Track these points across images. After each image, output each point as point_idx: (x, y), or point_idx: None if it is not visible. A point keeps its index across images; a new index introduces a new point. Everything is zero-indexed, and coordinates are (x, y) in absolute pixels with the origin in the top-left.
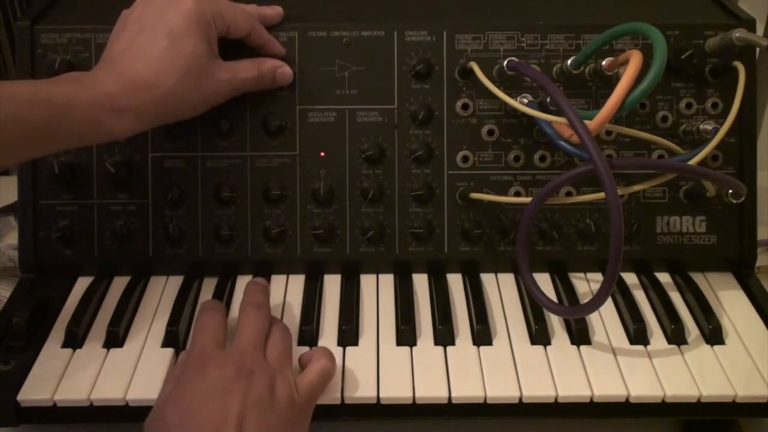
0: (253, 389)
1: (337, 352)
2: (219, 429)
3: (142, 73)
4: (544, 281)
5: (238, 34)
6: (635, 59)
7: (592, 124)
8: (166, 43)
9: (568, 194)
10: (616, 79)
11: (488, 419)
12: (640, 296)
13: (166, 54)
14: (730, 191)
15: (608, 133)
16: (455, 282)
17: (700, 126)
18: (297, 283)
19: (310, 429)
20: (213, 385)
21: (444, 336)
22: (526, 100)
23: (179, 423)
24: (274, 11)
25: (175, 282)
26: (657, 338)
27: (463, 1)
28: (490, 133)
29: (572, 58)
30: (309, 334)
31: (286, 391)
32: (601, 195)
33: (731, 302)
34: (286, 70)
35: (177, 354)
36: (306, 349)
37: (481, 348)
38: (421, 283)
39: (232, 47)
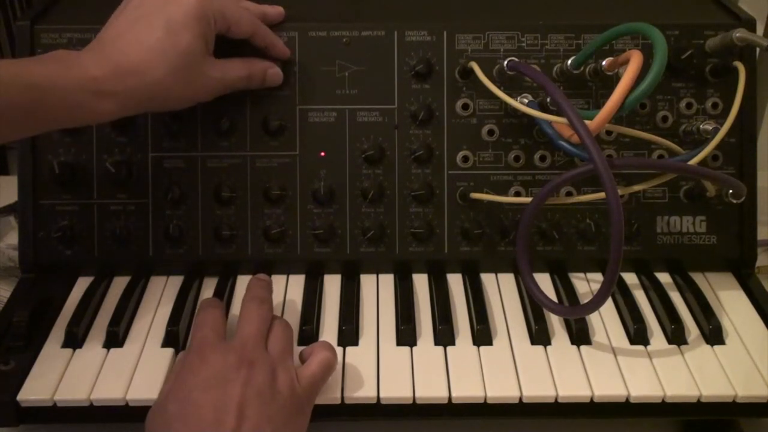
0: (254, 379)
1: (337, 352)
2: (219, 417)
3: (132, 59)
4: (544, 281)
5: (240, 35)
6: (635, 59)
7: (592, 124)
8: (161, 35)
9: (568, 194)
10: (616, 79)
11: (488, 419)
12: (640, 296)
13: (159, 45)
14: (730, 191)
15: (608, 133)
16: (455, 282)
17: (700, 126)
18: (297, 283)
19: (309, 428)
20: (214, 374)
21: (444, 336)
22: (526, 100)
23: (180, 412)
24: (276, 11)
25: (175, 282)
26: (657, 338)
27: (463, 1)
28: (490, 133)
29: (572, 58)
30: (309, 334)
31: (288, 382)
32: (601, 195)
33: (731, 302)
34: (276, 71)
35: (177, 354)
36: None
37: (481, 348)
38: (421, 283)
39: (230, 44)
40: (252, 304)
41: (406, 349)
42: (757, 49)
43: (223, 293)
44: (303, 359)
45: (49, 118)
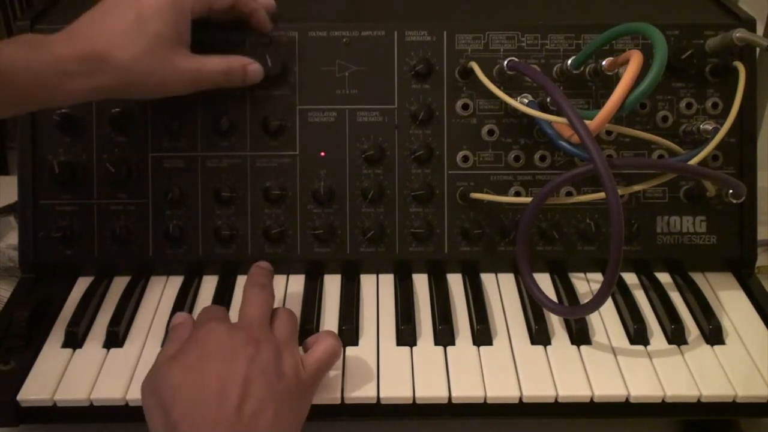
0: (260, 357)
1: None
2: (224, 389)
3: (98, 42)
4: (544, 281)
5: (223, 7)
6: (635, 59)
7: (592, 124)
8: (131, 20)
9: (568, 194)
10: (616, 79)
11: (488, 419)
12: (640, 296)
13: (128, 30)
14: (730, 191)
15: (608, 133)
16: (455, 282)
17: (700, 126)
18: (297, 283)
19: (309, 429)
20: (221, 346)
21: (444, 336)
22: (526, 100)
23: (184, 381)
24: None
25: (175, 282)
26: (657, 338)
27: (463, 1)
28: (490, 133)
29: (572, 58)
30: (309, 333)
31: (293, 366)
32: (601, 195)
33: (731, 302)
34: (256, 67)
35: None
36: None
37: (481, 348)
38: (421, 283)
39: (211, 42)
40: (254, 290)
41: (406, 349)
42: (757, 49)
43: (224, 293)
44: (307, 348)
45: (20, 100)
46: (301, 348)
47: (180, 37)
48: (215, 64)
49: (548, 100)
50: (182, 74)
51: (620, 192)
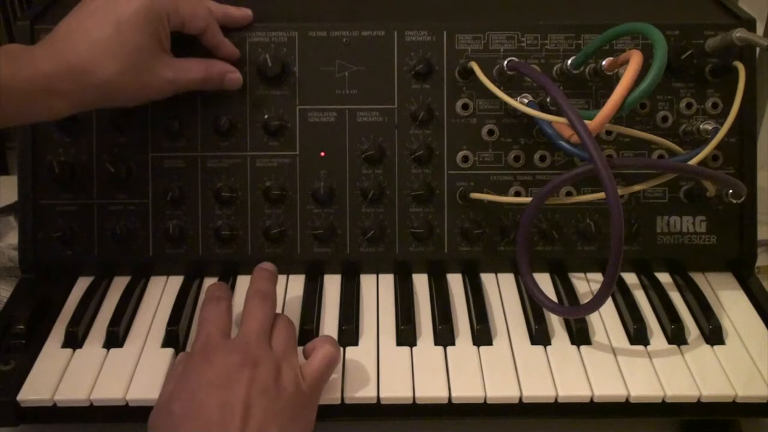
0: (258, 377)
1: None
2: (225, 416)
3: (83, 57)
4: (544, 281)
5: (193, 31)
6: (635, 59)
7: (592, 124)
8: (111, 32)
9: (568, 194)
10: (616, 79)
11: (488, 419)
12: (640, 296)
13: (109, 43)
14: (730, 191)
15: (608, 133)
16: (455, 282)
17: (700, 126)
18: (297, 283)
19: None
20: (218, 374)
21: (444, 336)
22: (526, 100)
23: (185, 414)
24: (242, 13)
25: (175, 282)
26: (657, 338)
27: (463, 1)
28: (490, 133)
29: (572, 58)
30: (309, 334)
31: (292, 379)
32: (601, 195)
33: (731, 302)
34: (235, 76)
35: (177, 354)
36: None
37: (481, 348)
38: (421, 283)
39: (190, 40)
40: (254, 300)
41: (406, 349)
42: (757, 49)
43: None
44: (306, 355)
45: (2, 116)
46: (301, 352)
47: (160, 45)
48: (194, 71)
49: (548, 100)
50: (161, 82)
51: (620, 192)
